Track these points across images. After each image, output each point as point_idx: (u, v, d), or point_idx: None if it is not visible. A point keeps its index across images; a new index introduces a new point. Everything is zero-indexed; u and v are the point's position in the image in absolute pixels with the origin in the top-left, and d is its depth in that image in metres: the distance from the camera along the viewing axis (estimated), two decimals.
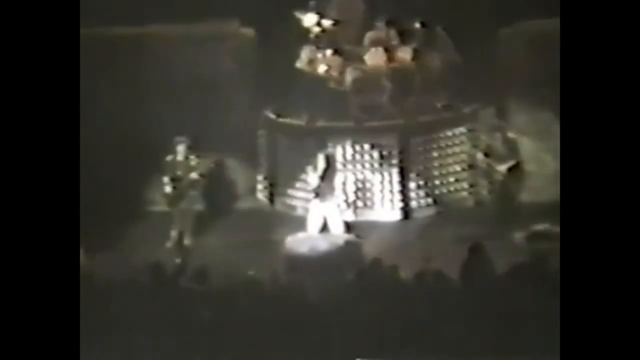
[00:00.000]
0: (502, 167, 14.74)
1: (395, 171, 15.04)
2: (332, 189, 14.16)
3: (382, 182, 15.02)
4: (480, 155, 15.11)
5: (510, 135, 14.97)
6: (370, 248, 13.47)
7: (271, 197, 15.64)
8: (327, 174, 14.27)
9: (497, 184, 14.82)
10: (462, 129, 15.50)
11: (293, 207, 15.26)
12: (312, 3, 15.47)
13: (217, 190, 15.69)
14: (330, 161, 14.38)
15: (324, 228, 14.13)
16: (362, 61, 15.50)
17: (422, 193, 15.17)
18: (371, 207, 14.99)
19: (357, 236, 14.00)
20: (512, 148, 14.90)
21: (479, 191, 15.34)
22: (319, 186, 14.13)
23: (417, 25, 15.50)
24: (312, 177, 14.25)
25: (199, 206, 15.22)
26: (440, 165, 15.36)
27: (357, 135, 15.13)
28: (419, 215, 15.10)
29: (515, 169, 14.79)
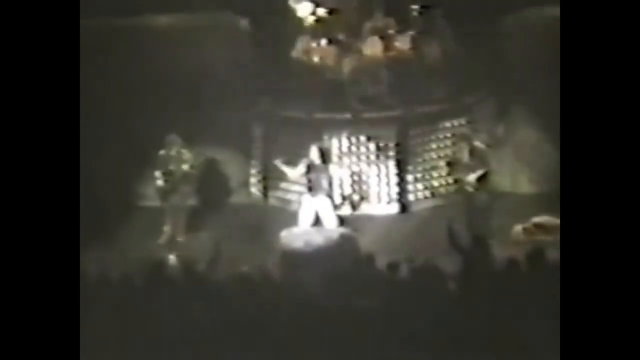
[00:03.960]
0: (472, 177, 14.42)
1: (392, 163, 14.81)
2: (325, 182, 13.95)
3: (378, 175, 14.81)
4: (445, 166, 14.89)
5: (477, 144, 14.62)
6: (367, 242, 13.42)
7: (265, 191, 15.45)
8: (321, 166, 14.05)
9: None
10: (461, 120, 15.23)
11: (287, 201, 15.08)
12: None
13: (210, 184, 15.62)
14: (323, 154, 14.16)
15: (317, 222, 13.94)
16: (359, 51, 15.24)
17: (419, 186, 14.93)
18: (367, 201, 14.77)
19: (354, 230, 13.86)
20: (480, 158, 14.56)
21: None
22: (310, 180, 13.94)
23: (416, 13, 15.23)
24: (297, 170, 14.09)
25: (192, 201, 15.10)
26: (439, 157, 15.09)
27: (353, 126, 14.90)
28: (416, 208, 14.86)
29: (484, 179, 14.48)
